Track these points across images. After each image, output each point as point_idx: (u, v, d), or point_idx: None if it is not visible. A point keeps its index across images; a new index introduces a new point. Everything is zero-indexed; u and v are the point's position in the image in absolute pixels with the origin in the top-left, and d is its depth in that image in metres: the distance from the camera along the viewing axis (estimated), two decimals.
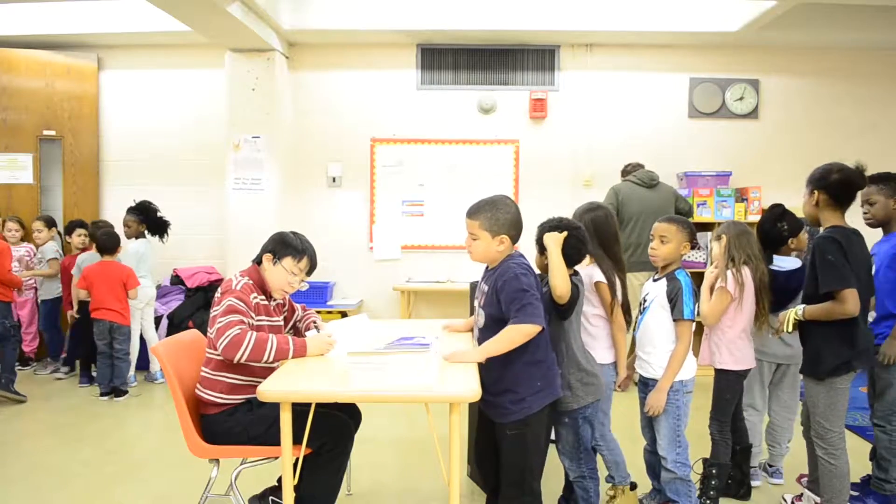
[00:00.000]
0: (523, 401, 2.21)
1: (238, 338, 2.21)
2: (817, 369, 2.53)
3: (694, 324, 2.57)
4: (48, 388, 4.86)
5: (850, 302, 2.38)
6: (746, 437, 3.01)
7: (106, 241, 4.74)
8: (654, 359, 2.62)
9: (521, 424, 2.23)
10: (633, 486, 2.86)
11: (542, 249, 2.48)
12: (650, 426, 2.71)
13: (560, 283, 2.35)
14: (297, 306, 2.75)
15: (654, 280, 2.70)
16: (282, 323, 2.57)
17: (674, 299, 2.54)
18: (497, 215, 2.26)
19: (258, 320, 2.38)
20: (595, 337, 2.70)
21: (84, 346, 4.94)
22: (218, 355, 2.31)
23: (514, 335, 2.14)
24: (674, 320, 2.56)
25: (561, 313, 2.46)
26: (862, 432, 3.92)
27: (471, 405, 2.81)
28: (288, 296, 2.62)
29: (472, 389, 1.95)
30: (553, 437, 2.67)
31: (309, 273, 2.53)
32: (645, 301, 2.70)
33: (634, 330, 2.75)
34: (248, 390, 2.36)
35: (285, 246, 2.46)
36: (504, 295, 2.18)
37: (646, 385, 2.68)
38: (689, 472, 2.58)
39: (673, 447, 2.56)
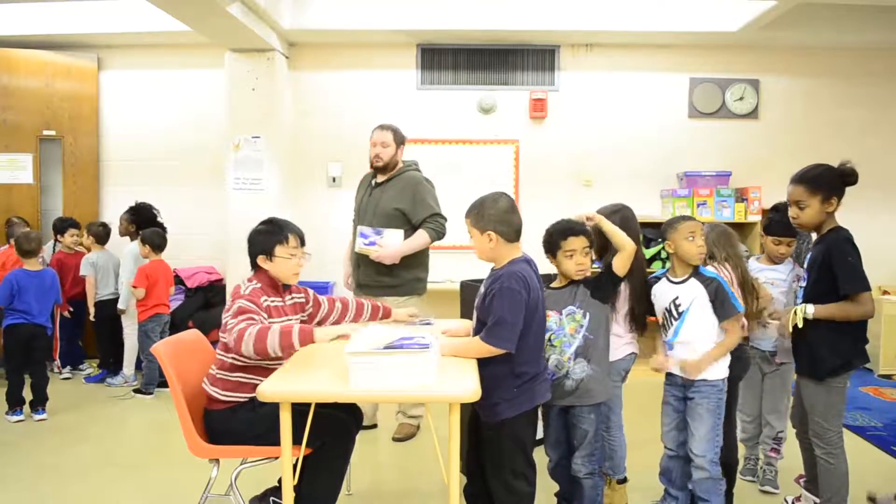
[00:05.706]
0: (496, 405, 2.25)
1: (241, 330, 2.22)
2: (819, 369, 2.52)
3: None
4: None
5: (868, 304, 2.42)
6: (736, 452, 2.83)
7: (156, 239, 4.81)
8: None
9: (496, 426, 2.28)
10: (624, 481, 2.86)
11: (552, 254, 2.49)
12: (678, 428, 2.61)
13: (625, 244, 2.38)
14: (323, 300, 2.71)
15: (674, 283, 2.57)
16: (299, 323, 2.53)
17: (721, 296, 2.48)
18: (482, 211, 2.27)
19: (270, 321, 2.36)
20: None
21: (108, 343, 5.15)
22: (230, 357, 2.35)
23: (477, 348, 2.23)
24: (727, 317, 2.47)
25: (614, 280, 2.46)
26: (861, 432, 3.93)
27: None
28: (311, 292, 2.65)
29: (471, 390, 1.95)
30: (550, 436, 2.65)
31: (303, 243, 2.51)
32: (678, 306, 2.53)
33: (669, 336, 2.58)
34: (253, 388, 2.36)
35: (268, 240, 2.44)
36: (489, 304, 2.22)
37: (685, 388, 2.55)
38: (720, 470, 2.52)
39: (711, 446, 2.49)
